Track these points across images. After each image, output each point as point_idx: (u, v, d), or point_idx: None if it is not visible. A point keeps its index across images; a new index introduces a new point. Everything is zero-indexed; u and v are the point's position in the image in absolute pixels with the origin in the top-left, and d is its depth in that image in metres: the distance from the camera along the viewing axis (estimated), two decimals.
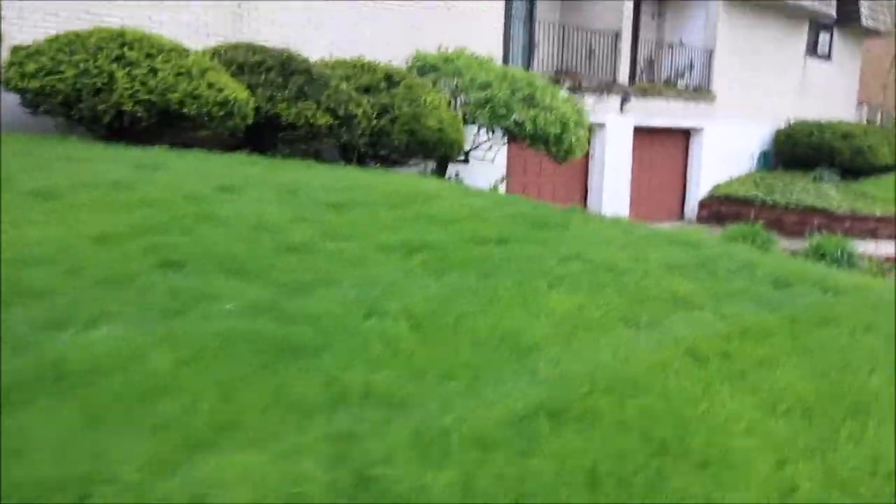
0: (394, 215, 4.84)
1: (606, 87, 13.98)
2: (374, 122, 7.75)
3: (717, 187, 17.11)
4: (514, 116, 8.69)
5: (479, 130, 9.32)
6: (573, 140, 9.22)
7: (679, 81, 16.01)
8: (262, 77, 7.17)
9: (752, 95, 17.65)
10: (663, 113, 15.45)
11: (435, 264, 4.01)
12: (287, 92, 7.07)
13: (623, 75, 14.35)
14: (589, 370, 3.08)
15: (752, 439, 2.75)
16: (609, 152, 14.36)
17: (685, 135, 16.81)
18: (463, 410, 2.59)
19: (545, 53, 14.21)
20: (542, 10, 14.58)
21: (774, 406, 3.09)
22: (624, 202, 15.03)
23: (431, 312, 3.34)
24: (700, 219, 16.94)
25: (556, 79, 13.10)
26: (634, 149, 15.11)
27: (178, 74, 6.20)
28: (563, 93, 9.76)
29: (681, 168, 17.02)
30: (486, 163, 10.82)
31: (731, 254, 5.69)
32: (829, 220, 15.05)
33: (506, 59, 13.24)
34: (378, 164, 8.68)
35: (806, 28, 19.36)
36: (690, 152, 16.99)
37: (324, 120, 7.10)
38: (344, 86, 7.61)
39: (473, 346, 3.12)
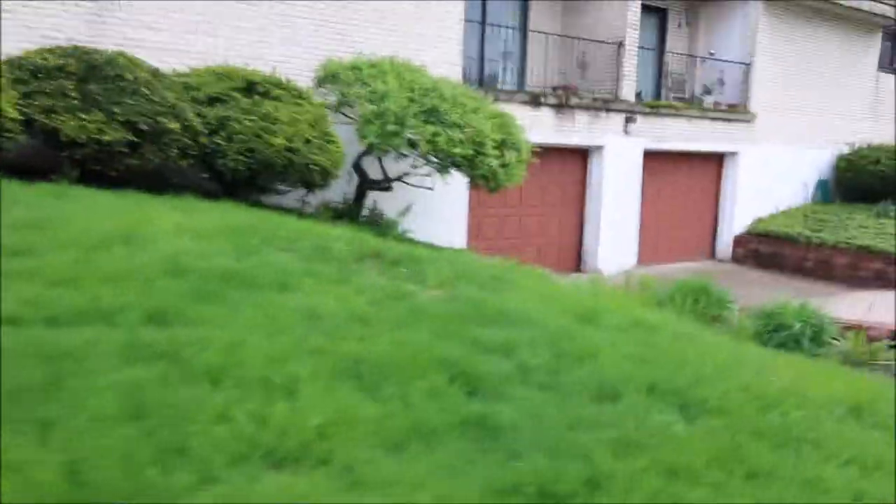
0: None
1: (603, 104, 11.93)
2: (205, 138, 6.21)
3: (757, 222, 14.56)
4: (408, 134, 6.94)
5: (372, 152, 7.57)
6: (494, 164, 7.34)
7: (706, 98, 13.70)
8: (52, 84, 5.80)
9: (805, 115, 15.03)
10: (684, 135, 13.18)
11: None
12: (70, 101, 5.65)
13: (628, 91, 12.26)
14: None
15: None
16: (609, 180, 12.26)
17: (717, 160, 14.41)
18: None
19: (540, 68, 12.35)
20: (539, 18, 12.76)
21: None
22: (631, 238, 12.84)
23: None
24: (735, 258, 14.44)
25: (537, 97, 11.24)
26: (645, 175, 12.91)
27: None
28: (495, 106, 7.92)
29: (712, 199, 14.59)
30: (426, 192, 9.01)
31: (569, 334, 3.75)
32: (887, 263, 12.29)
33: (476, 74, 11.52)
34: (252, 196, 7.16)
35: (879, 37, 16.51)
36: (723, 180, 14.54)
37: (115, 135, 5.63)
38: (171, 95, 6.13)
39: None
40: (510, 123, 7.75)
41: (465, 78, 11.04)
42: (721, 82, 13.94)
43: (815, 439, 3.07)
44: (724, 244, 14.57)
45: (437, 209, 10.11)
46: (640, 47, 13.55)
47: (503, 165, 7.50)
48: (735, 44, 14.16)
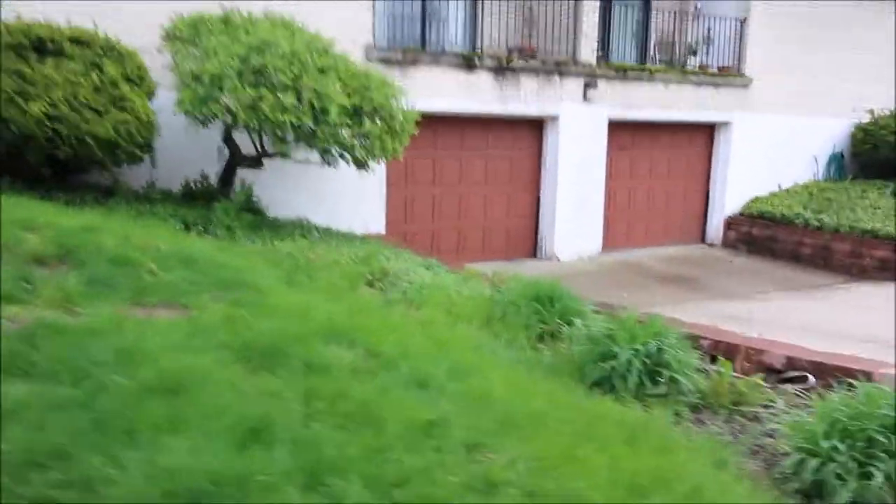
0: None
1: (556, 67, 10.39)
2: None
3: (753, 202, 12.79)
4: (224, 100, 5.67)
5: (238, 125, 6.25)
6: (345, 136, 6.02)
7: (690, 60, 11.95)
8: None
9: (814, 79, 13.08)
10: (660, 103, 11.51)
11: None
12: None
13: (587, 52, 10.67)
14: None
15: None
16: (565, 154, 10.74)
17: (706, 131, 12.67)
18: None
19: (497, 28, 10.86)
20: None
21: None
22: (595, 221, 11.31)
23: None
24: (726, 243, 12.74)
25: (470, 59, 9.77)
26: (612, 149, 11.33)
27: None
28: (361, 65, 6.54)
29: (701, 175, 12.87)
30: (331, 169, 7.61)
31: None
32: (894, 251, 10.47)
33: (417, 36, 10.07)
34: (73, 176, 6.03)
35: None
36: (714, 154, 12.79)
37: None
38: None
39: None
40: (378, 86, 6.37)
41: (392, 40, 9.70)
42: (708, 41, 12.14)
43: None
44: (715, 227, 12.87)
45: (343, 188, 8.85)
46: (622, 3, 11.96)
47: (363, 136, 6.16)
48: None
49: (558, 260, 10.89)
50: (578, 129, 10.76)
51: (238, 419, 2.44)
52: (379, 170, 9.24)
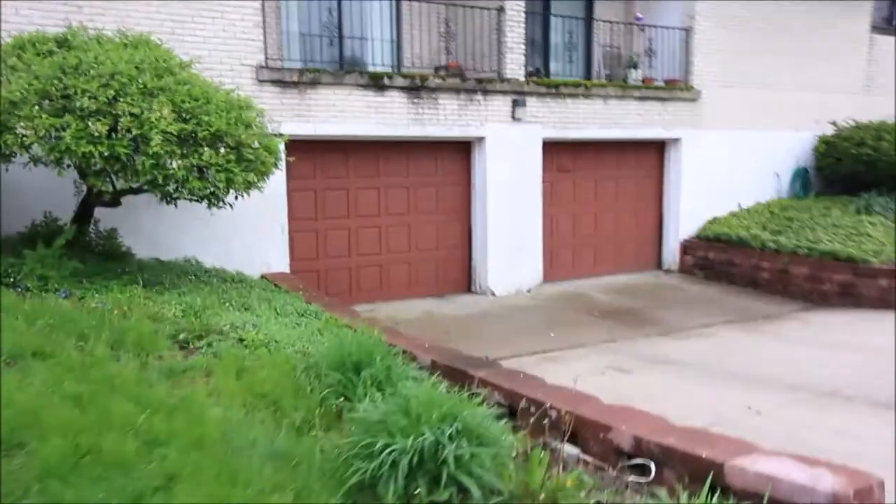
0: None
1: (478, 85, 9.58)
2: None
3: (711, 223, 11.93)
4: (20, 129, 4.85)
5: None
6: (171, 168, 5.18)
7: (631, 74, 11.16)
8: None
9: (772, 91, 12.30)
10: (600, 120, 10.70)
11: None
12: None
13: (514, 67, 9.87)
14: None
15: None
16: (495, 178, 9.89)
17: (657, 149, 11.84)
18: None
19: (421, 45, 10.12)
20: None
21: None
22: (534, 249, 10.41)
23: None
24: (683, 268, 11.84)
25: (379, 79, 8.94)
26: (550, 171, 10.50)
27: None
28: (206, 87, 5.69)
29: (653, 196, 12.02)
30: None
31: None
32: (856, 275, 9.57)
33: (335, 54, 9.33)
34: None
35: None
36: (665, 174, 11.96)
37: None
38: None
39: None
40: (222, 109, 5.52)
41: (307, 61, 8.98)
42: (651, 53, 11.37)
43: None
44: (671, 251, 11.97)
45: (237, 224, 8.02)
46: (567, 17, 11.27)
47: (196, 169, 5.30)
48: (672, 5, 11.56)
49: (493, 294, 10.01)
50: (509, 150, 9.93)
51: None
52: (278, 202, 8.44)
